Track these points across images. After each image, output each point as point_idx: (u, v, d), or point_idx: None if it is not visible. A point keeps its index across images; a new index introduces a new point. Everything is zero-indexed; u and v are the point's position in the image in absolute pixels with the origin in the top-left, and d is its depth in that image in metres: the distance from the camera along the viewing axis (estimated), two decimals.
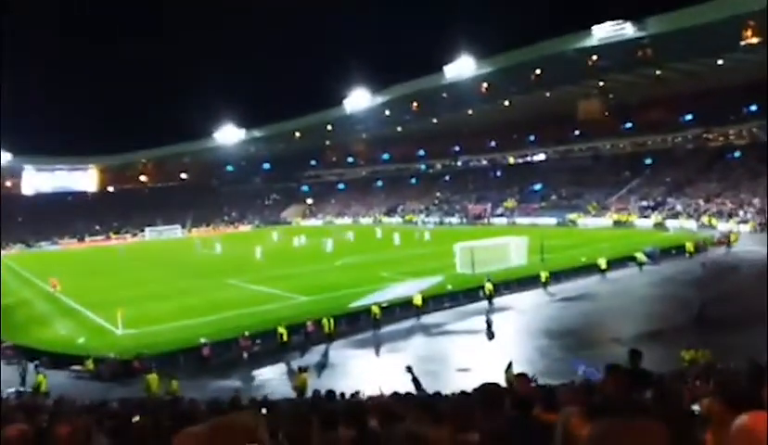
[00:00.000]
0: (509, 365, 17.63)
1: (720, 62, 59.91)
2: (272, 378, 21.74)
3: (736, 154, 64.90)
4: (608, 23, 53.57)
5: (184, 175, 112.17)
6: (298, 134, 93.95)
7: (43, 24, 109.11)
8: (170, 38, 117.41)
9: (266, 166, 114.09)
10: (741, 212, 53.31)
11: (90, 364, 22.50)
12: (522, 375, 9.63)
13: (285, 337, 24.16)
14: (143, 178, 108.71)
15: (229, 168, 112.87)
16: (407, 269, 37.99)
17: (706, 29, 48.18)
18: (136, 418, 6.94)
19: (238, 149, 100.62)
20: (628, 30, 52.84)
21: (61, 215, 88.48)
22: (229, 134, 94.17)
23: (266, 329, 25.19)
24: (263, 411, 10.47)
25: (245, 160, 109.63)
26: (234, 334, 24.69)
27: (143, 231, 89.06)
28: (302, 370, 19.33)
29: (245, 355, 23.57)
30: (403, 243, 54.22)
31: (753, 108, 64.98)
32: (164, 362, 22.22)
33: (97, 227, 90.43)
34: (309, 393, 16.45)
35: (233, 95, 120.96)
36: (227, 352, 24.11)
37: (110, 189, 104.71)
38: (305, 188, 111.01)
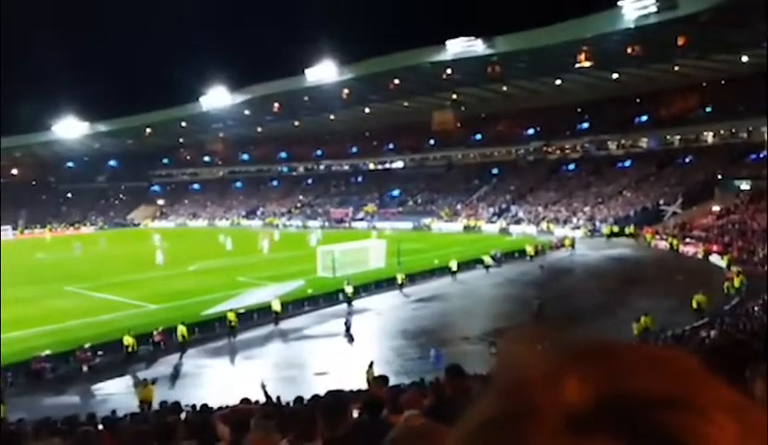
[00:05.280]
0: (370, 365, 18.01)
1: (558, 82, 65.97)
2: (116, 392, 20.21)
3: (571, 166, 71.73)
4: (461, 39, 56.61)
5: (15, 171, 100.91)
6: (149, 131, 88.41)
7: None
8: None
9: (112, 163, 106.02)
10: (574, 219, 58.93)
11: None
12: (380, 378, 9.84)
13: (132, 348, 22.59)
14: None
15: (69, 164, 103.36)
16: (267, 273, 37.30)
17: (546, 51, 52.67)
18: None
19: (80, 144, 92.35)
20: (478, 47, 56.24)
21: None
22: (70, 128, 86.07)
23: (110, 340, 23.39)
24: (100, 427, 9.71)
25: (88, 157, 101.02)
26: (73, 346, 22.63)
27: None
28: (147, 382, 18.24)
29: (84, 368, 21.70)
30: (259, 246, 52.97)
31: (585, 125, 72.38)
32: None
33: None
34: (156, 406, 15.51)
35: (75, 85, 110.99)
36: (64, 366, 22.05)
37: None
38: (156, 188, 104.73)
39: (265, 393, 11.07)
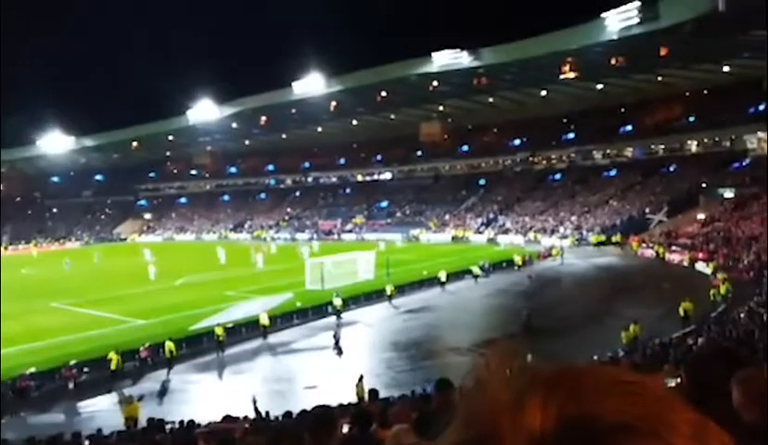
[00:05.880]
0: (360, 379, 17.92)
1: (543, 93, 66.55)
2: (102, 409, 19.94)
3: (557, 176, 72.20)
4: (447, 51, 57.00)
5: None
6: (135, 144, 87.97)
7: None
8: None
9: (99, 178, 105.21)
10: (561, 228, 59.22)
11: None
12: (371, 392, 9.79)
13: (116, 364, 22.29)
14: None
15: (55, 179, 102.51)
16: (255, 287, 37.08)
17: (531, 63, 53.16)
18: None
19: (66, 159, 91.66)
20: (464, 59, 56.63)
21: None
22: (56, 142, 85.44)
23: (96, 356, 23.09)
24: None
25: (74, 171, 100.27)
26: (59, 363, 22.31)
27: None
28: (132, 399, 18.00)
29: (70, 385, 21.39)
30: (252, 260, 52.67)
31: (571, 135, 73.00)
32: None
33: None
34: (142, 423, 15.31)
35: (60, 99, 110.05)
36: (50, 383, 21.74)
37: None
38: (143, 202, 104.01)
39: (255, 408, 10.97)
